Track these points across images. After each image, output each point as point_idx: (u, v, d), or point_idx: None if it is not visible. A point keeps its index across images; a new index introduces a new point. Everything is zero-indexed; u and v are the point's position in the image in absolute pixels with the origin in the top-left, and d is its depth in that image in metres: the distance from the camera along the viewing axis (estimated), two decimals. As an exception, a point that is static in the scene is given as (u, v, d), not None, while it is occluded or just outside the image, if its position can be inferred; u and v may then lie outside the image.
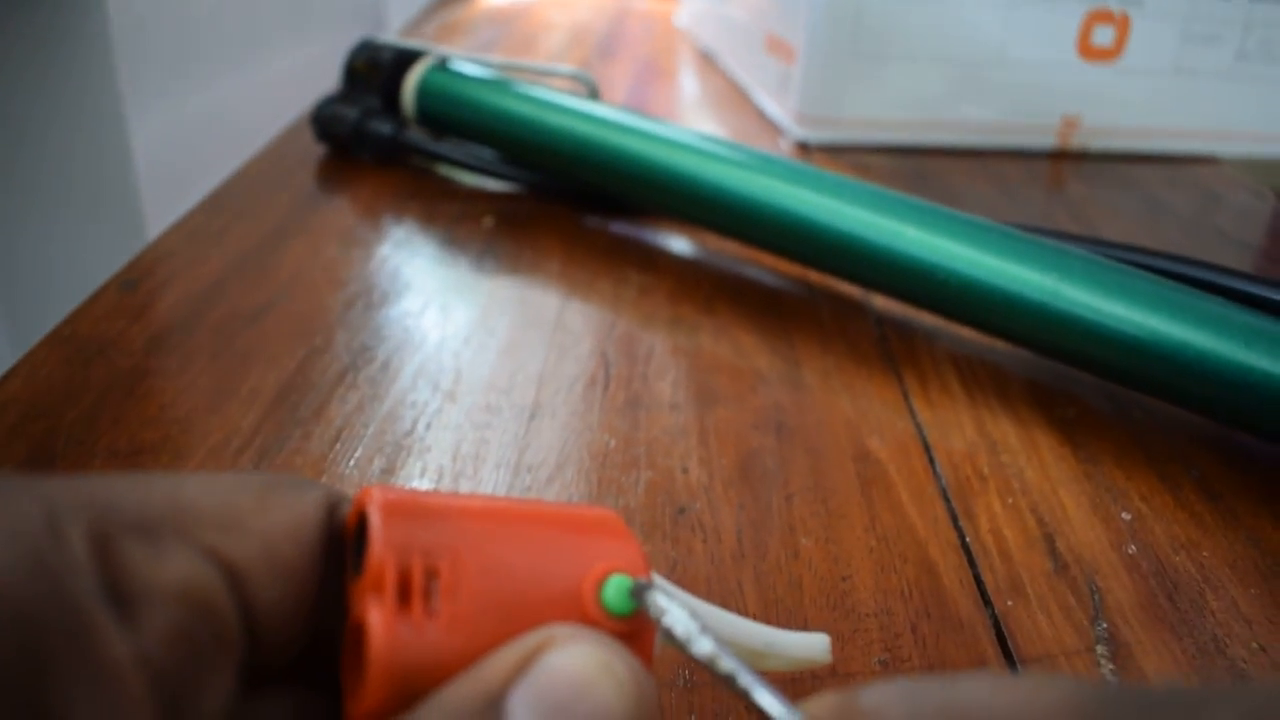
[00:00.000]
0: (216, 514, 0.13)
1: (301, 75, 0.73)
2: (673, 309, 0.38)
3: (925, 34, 0.56)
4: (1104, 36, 0.56)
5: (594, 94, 0.49)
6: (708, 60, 0.79)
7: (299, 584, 0.14)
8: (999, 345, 0.36)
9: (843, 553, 0.26)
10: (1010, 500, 0.28)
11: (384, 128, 0.48)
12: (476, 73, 0.48)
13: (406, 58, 0.50)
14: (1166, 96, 0.58)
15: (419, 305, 0.37)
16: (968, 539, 0.27)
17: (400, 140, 0.48)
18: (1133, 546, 0.27)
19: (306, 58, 0.76)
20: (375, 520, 0.14)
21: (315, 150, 0.51)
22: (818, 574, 0.25)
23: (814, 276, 0.41)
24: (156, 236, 0.41)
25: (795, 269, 0.41)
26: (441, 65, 0.49)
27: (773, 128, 0.61)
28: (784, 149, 0.57)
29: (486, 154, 0.48)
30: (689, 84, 0.74)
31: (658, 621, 0.15)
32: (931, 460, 0.30)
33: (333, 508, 0.15)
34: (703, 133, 0.41)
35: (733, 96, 0.69)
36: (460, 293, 0.38)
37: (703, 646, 0.14)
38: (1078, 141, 0.59)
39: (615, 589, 0.15)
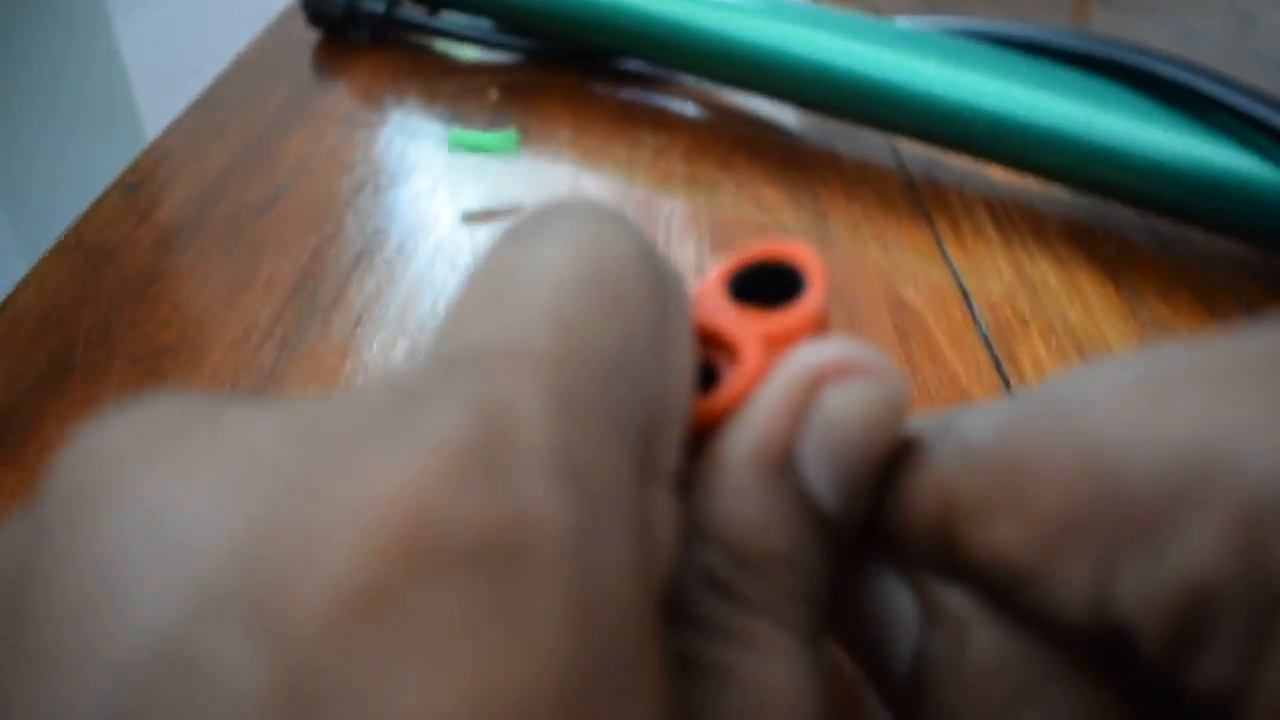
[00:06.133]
0: None
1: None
2: (689, 169, 0.36)
3: None
4: None
5: (592, -48, 0.47)
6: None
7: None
8: (1033, 184, 0.34)
9: (884, 405, 0.25)
10: (1054, 342, 0.27)
11: (377, 6, 0.46)
12: (468, -61, 0.46)
13: (393, -71, 0.47)
14: (1196, -87, 0.55)
15: (429, 185, 0.36)
16: (1012, 383, 0.26)
17: (394, 18, 0.46)
18: (1183, 379, 0.26)
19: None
20: (817, 292, 0.14)
21: (308, 36, 0.49)
22: (860, 428, 0.24)
23: (834, 124, 0.39)
24: (155, 137, 0.40)
25: (814, 119, 0.40)
26: (430, -66, 0.47)
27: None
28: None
29: (485, 25, 0.46)
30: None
31: None
32: (970, 306, 0.29)
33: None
34: (710, -17, 0.39)
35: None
36: (470, 170, 0.37)
37: None
38: (1103, -31, 0.56)
39: None
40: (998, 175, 0.35)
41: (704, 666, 0.11)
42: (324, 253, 0.32)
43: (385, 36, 0.48)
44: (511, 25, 0.45)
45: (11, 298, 0.30)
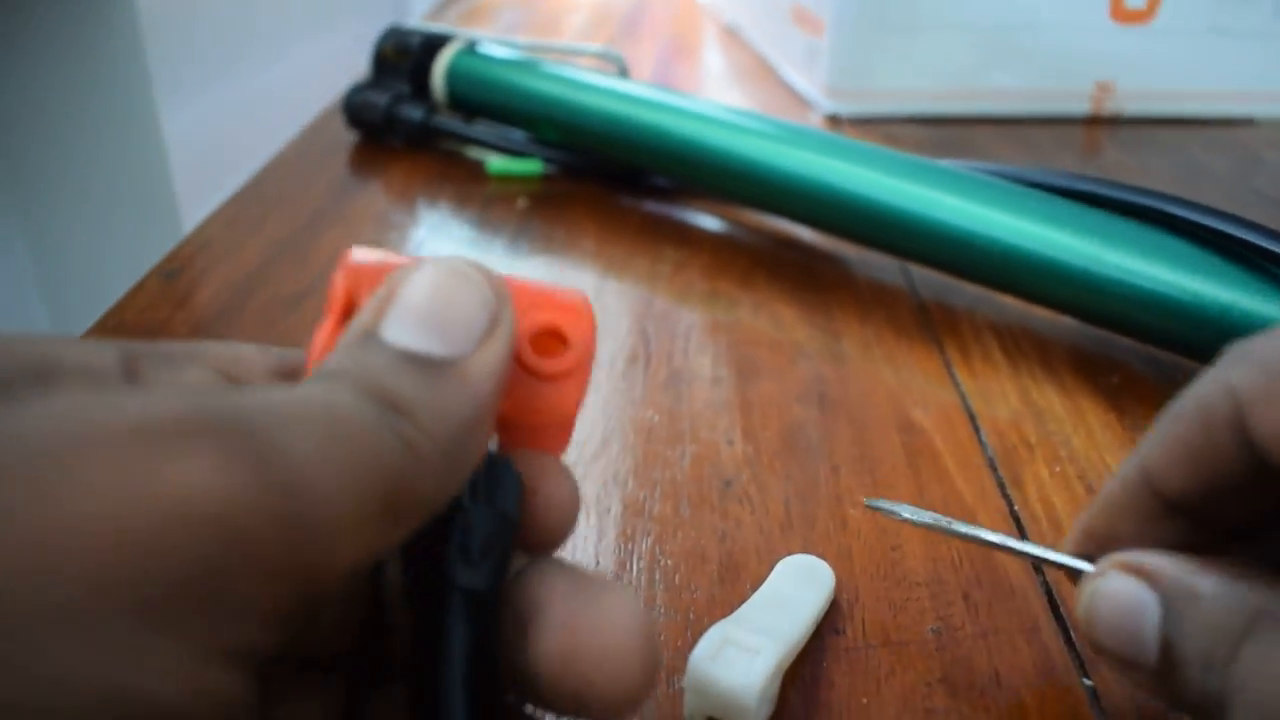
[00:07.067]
0: (225, 352, 0.16)
1: (329, 64, 0.73)
2: (709, 284, 0.38)
3: (954, 1, 0.55)
4: (1137, -1, 0.55)
5: (623, 72, 0.49)
6: (732, 35, 0.79)
7: None
8: (1041, 313, 0.36)
9: (891, 523, 0.26)
10: (1058, 468, 0.28)
11: (414, 112, 0.49)
12: (505, 54, 0.48)
13: (435, 42, 0.50)
14: (1202, 58, 0.57)
15: (457, 287, 0.37)
16: (1016, 507, 0.26)
17: (431, 124, 0.49)
18: (1183, 511, 0.26)
19: (333, 47, 0.76)
20: (339, 272, 0.16)
21: (347, 137, 0.51)
22: (867, 543, 0.25)
23: (850, 248, 0.40)
24: (195, 226, 0.42)
25: (832, 241, 0.41)
26: (470, 48, 0.49)
27: (801, 101, 0.61)
28: (814, 122, 0.57)
29: (518, 135, 0.48)
30: (714, 60, 0.73)
31: (913, 521, 0.22)
32: (977, 430, 0.30)
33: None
34: (735, 107, 0.41)
35: (759, 71, 0.68)
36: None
37: (960, 527, 0.21)
38: (1112, 106, 0.58)
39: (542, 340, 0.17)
40: (1007, 302, 0.36)
41: None
42: (354, 348, 0.33)
43: (421, 142, 0.50)
44: (542, 137, 0.47)
45: (50, 377, 0.31)
